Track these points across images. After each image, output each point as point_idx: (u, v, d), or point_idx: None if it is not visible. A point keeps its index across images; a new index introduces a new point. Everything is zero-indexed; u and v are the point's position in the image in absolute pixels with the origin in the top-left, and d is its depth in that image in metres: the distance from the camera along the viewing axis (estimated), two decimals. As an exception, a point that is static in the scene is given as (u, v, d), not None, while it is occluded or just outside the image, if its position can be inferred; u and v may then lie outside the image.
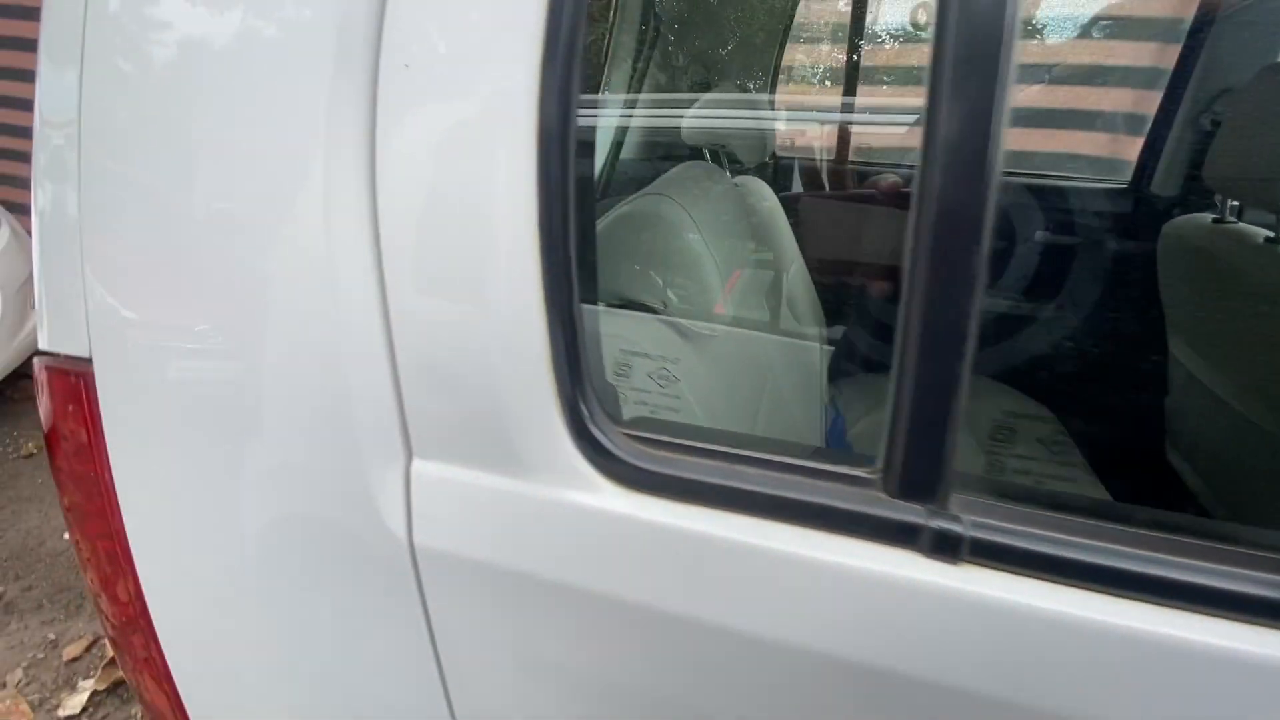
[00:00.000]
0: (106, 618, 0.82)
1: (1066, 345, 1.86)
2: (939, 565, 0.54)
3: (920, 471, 0.55)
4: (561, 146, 0.56)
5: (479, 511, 0.64)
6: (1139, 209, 1.82)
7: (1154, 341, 1.66)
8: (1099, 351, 1.79)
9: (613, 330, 0.69)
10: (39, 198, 0.70)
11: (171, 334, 0.69)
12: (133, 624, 0.79)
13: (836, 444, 1.66)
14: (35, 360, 0.78)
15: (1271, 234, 1.41)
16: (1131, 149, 2.19)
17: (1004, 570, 0.53)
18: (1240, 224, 1.52)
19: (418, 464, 0.65)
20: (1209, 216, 1.58)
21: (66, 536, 2.44)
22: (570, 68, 0.55)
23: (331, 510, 0.68)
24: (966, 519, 0.54)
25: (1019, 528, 0.54)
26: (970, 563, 0.54)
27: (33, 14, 3.19)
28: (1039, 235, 1.93)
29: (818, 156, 2.11)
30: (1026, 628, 0.52)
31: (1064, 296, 1.90)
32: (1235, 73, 1.65)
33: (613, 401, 0.70)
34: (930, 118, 0.50)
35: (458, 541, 0.65)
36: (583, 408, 0.61)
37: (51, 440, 0.79)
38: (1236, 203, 1.58)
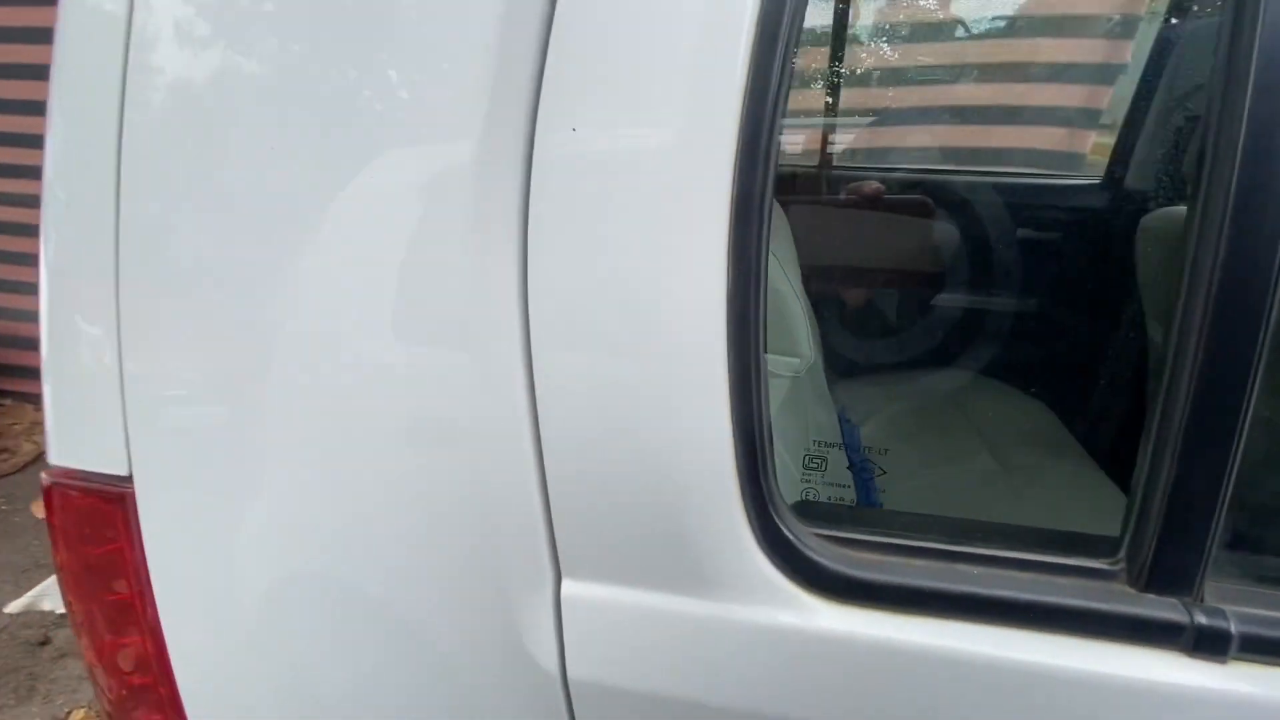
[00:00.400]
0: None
1: (1054, 339, 1.88)
2: (1205, 665, 0.48)
3: (1176, 562, 0.48)
4: (760, 209, 0.46)
5: (648, 639, 0.53)
6: (1115, 204, 1.85)
7: (1135, 331, 1.68)
8: (1085, 344, 1.80)
9: (803, 419, 0.60)
10: (50, 277, 0.55)
11: (247, 431, 0.54)
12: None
13: (854, 453, 1.62)
14: (43, 474, 0.62)
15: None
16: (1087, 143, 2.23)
17: (1277, 666, 0.47)
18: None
19: (569, 586, 0.54)
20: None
21: (8, 610, 2.14)
22: (774, 124, 0.44)
23: (461, 644, 0.56)
24: (1230, 611, 0.48)
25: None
26: (1241, 660, 0.47)
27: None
28: (1021, 233, 1.93)
29: (798, 162, 2.05)
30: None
31: (1049, 291, 1.91)
32: (1205, 70, 1.67)
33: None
34: (1206, 194, 0.43)
35: (623, 675, 0.54)
36: (770, 507, 0.51)
37: (62, 556, 0.63)
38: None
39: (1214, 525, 0.47)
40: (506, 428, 0.51)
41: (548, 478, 0.51)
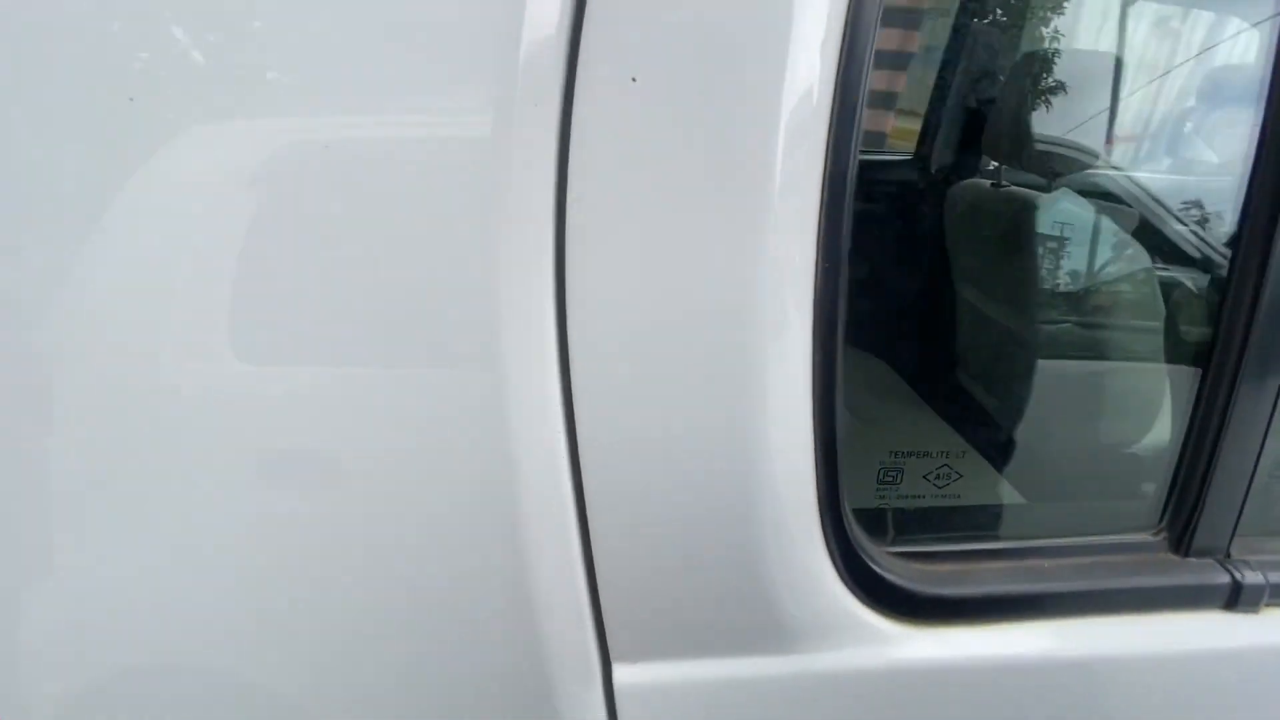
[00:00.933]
0: None
1: (883, 299, 2.02)
2: (1243, 618, 0.49)
3: (1212, 527, 0.49)
4: (850, 196, 0.37)
5: (731, 715, 0.43)
6: (925, 177, 2.03)
7: (947, 287, 1.87)
8: (908, 302, 1.97)
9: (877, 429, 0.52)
10: None
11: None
12: None
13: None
14: None
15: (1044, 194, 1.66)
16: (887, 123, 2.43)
17: (1298, 607, 0.50)
18: (1014, 187, 1.76)
19: (621, 672, 0.42)
20: (987, 182, 1.80)
21: None
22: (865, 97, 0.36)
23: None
24: (1254, 562, 0.50)
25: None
26: (1271, 607, 0.49)
27: None
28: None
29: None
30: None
31: (875, 257, 2.06)
32: (990, 57, 1.87)
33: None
34: (1254, 209, 0.43)
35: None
36: (849, 533, 0.44)
37: None
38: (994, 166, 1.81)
39: (1246, 491, 0.48)
40: (534, 476, 0.37)
41: (592, 535, 0.39)
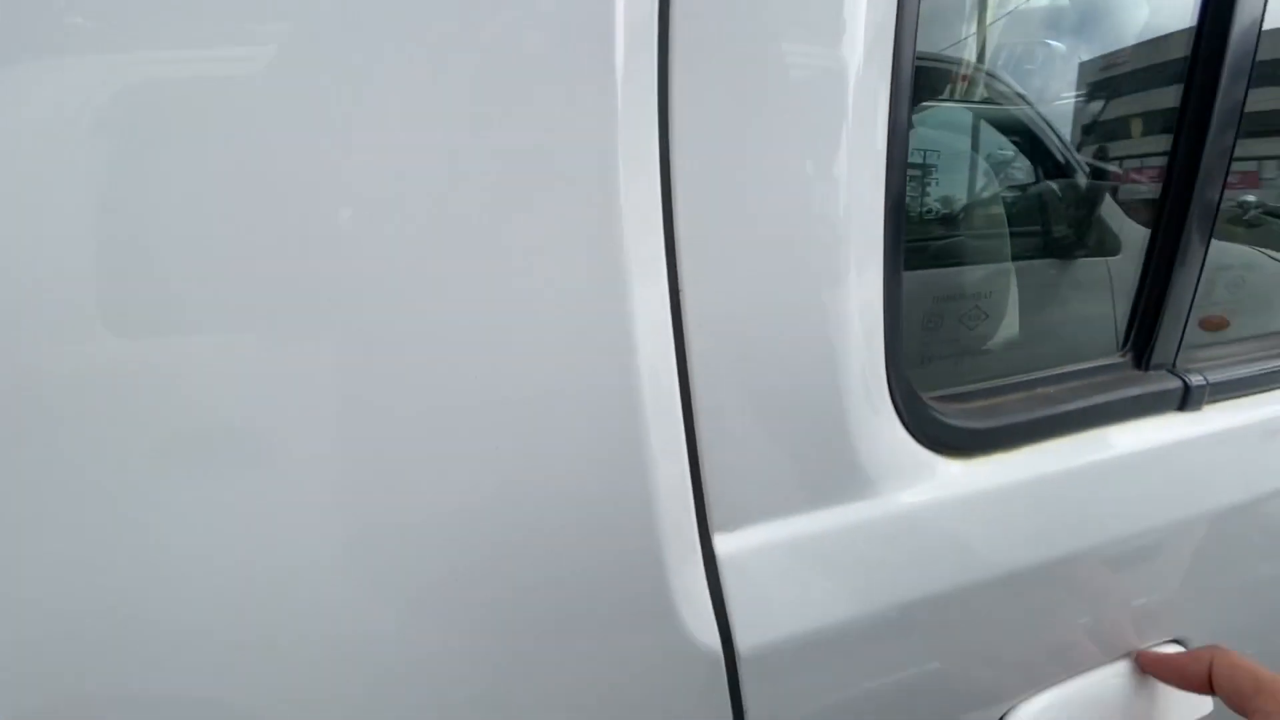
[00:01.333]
0: None
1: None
2: (1189, 415, 0.58)
3: (1165, 344, 0.57)
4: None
5: (819, 570, 0.44)
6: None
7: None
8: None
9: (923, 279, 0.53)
10: None
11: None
12: None
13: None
14: None
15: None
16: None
17: (1232, 400, 0.59)
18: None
19: (722, 541, 0.41)
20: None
21: None
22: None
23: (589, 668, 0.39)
24: (1194, 368, 0.58)
25: (1231, 363, 0.60)
26: (1209, 405, 0.58)
27: None
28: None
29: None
30: (1270, 436, 0.59)
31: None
32: None
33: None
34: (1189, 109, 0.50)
35: (801, 617, 0.44)
36: (909, 385, 0.46)
37: None
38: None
39: (1188, 313, 0.56)
40: (642, 344, 0.35)
41: (694, 402, 0.38)
